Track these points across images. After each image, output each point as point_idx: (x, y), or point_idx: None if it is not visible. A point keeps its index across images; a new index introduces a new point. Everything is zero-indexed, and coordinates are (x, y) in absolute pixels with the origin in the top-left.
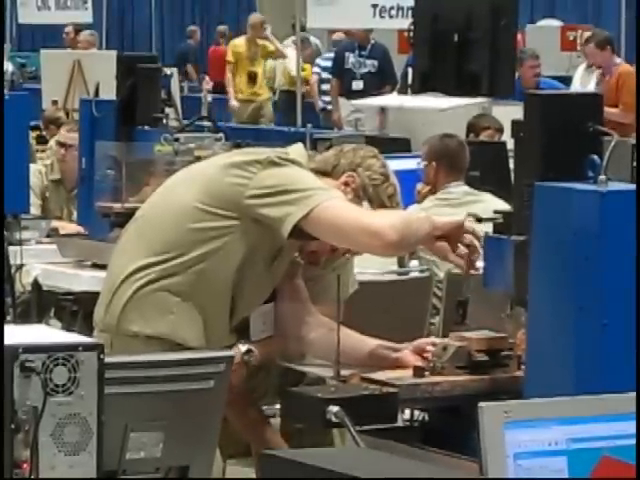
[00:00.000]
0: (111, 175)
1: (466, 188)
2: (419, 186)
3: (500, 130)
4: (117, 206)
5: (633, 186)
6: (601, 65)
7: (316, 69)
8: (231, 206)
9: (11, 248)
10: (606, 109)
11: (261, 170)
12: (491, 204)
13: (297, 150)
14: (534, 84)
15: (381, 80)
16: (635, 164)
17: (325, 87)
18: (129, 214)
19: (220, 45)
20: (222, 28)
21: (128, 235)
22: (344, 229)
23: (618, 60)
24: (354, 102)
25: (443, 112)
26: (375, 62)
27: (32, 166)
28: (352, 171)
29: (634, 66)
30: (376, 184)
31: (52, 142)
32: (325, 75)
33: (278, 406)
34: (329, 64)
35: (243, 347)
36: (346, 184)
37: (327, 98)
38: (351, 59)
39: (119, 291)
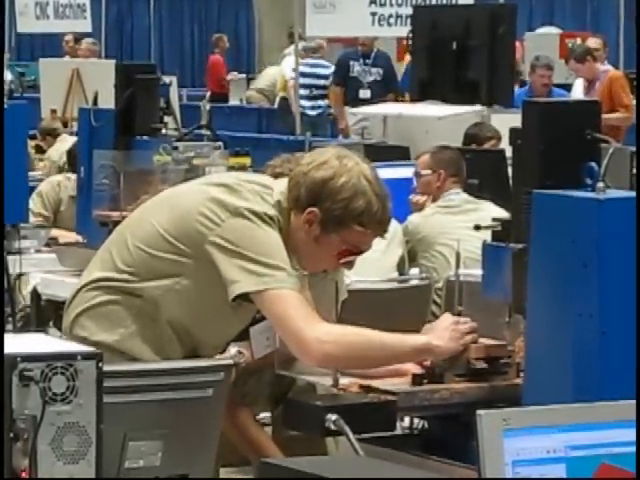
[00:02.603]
0: (109, 184)
1: (466, 196)
2: (414, 198)
3: (500, 138)
4: (115, 215)
5: (631, 193)
6: (587, 77)
7: (293, 74)
8: (192, 244)
9: (10, 257)
10: (606, 115)
11: (230, 219)
12: (491, 212)
13: (281, 187)
14: (544, 93)
15: (385, 88)
16: (634, 171)
17: (303, 92)
18: None
19: (216, 54)
20: (217, 36)
21: (104, 244)
22: (281, 326)
23: (603, 67)
24: (352, 110)
25: (442, 120)
26: (380, 70)
27: (53, 177)
28: (311, 205)
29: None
30: (338, 213)
31: (50, 152)
32: (302, 80)
33: (269, 414)
34: (307, 70)
35: (232, 349)
36: (309, 223)
37: (305, 102)
38: (356, 67)
39: (77, 297)
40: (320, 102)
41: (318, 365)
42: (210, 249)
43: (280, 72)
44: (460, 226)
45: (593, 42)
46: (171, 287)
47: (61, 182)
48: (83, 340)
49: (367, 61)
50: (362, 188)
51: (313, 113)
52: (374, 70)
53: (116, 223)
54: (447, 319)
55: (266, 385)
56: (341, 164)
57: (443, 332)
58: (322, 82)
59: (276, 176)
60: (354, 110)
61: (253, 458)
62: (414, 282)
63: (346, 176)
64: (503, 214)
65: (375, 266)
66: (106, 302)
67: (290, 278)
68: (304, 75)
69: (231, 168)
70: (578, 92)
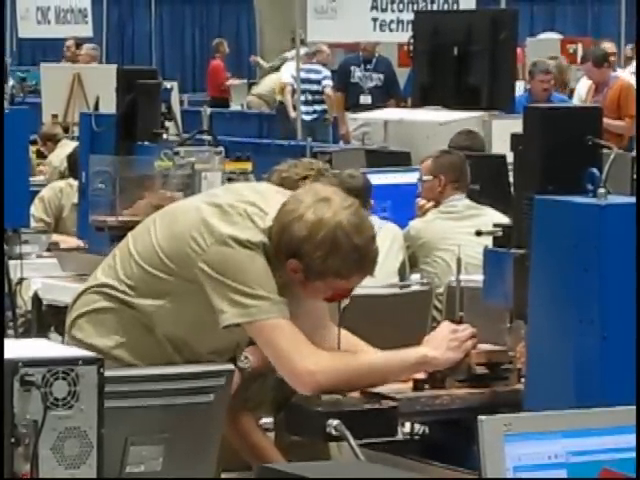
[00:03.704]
0: (105, 189)
1: (468, 202)
2: (420, 202)
3: (478, 148)
4: (111, 219)
5: (632, 199)
6: (599, 81)
7: (290, 80)
8: (184, 265)
9: (11, 262)
10: (611, 121)
11: (213, 246)
12: (492, 218)
13: (274, 207)
14: (544, 98)
15: (386, 93)
16: (635, 177)
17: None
18: (123, 227)
19: (216, 59)
20: (218, 41)
21: (115, 248)
22: (272, 357)
23: (614, 73)
24: (353, 115)
25: (443, 125)
26: (381, 76)
27: (56, 183)
28: (292, 257)
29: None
30: (317, 269)
31: (51, 157)
32: (296, 86)
33: (272, 419)
34: (301, 75)
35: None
36: (293, 271)
37: (300, 107)
38: (357, 73)
39: (81, 298)
40: (315, 107)
41: (312, 394)
42: (199, 274)
43: (279, 77)
44: (461, 232)
45: (609, 47)
46: (164, 305)
47: (63, 189)
48: (79, 342)
49: (368, 67)
50: (338, 244)
51: (308, 118)
52: (375, 76)
53: (112, 228)
54: (445, 328)
55: (269, 390)
56: (317, 218)
57: (440, 342)
58: (315, 87)
59: (283, 181)
60: (355, 115)
61: (255, 463)
62: (415, 287)
63: (322, 232)
64: (504, 220)
65: (376, 271)
66: (105, 309)
67: (275, 306)
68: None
69: (231, 174)
70: (583, 93)
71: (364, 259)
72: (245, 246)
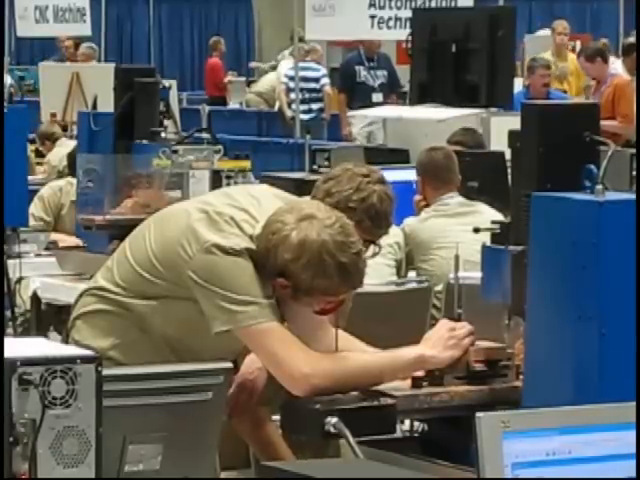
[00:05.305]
0: (94, 188)
1: (461, 199)
2: (416, 198)
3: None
4: (99, 218)
5: (630, 195)
6: (595, 77)
7: (283, 79)
8: (173, 271)
9: (10, 261)
10: (604, 122)
11: (198, 254)
12: (486, 215)
13: (267, 213)
14: (543, 94)
15: (390, 90)
16: (634, 173)
17: (294, 96)
18: (111, 226)
19: (214, 57)
20: (215, 39)
21: (115, 252)
22: (265, 361)
23: (613, 70)
24: (352, 113)
25: (442, 123)
26: (385, 72)
27: (55, 182)
28: (280, 276)
29: (632, 78)
30: (304, 288)
31: (49, 156)
32: (292, 84)
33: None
34: (294, 73)
35: None
36: (281, 287)
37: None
38: (362, 72)
39: (81, 300)
40: (312, 105)
41: (308, 397)
42: (188, 281)
43: (278, 75)
44: (456, 229)
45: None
46: (157, 306)
47: (63, 187)
48: (76, 343)
49: (372, 64)
50: (324, 265)
51: (305, 117)
52: (379, 73)
53: (100, 227)
54: (443, 326)
55: (274, 390)
56: (301, 239)
57: (438, 340)
58: (312, 85)
59: (344, 172)
60: (353, 113)
61: (265, 458)
62: (413, 285)
63: (307, 254)
64: (498, 216)
65: (374, 269)
66: (101, 311)
67: (263, 311)
68: (294, 79)
69: (229, 172)
70: None
71: (351, 275)
72: (229, 253)
